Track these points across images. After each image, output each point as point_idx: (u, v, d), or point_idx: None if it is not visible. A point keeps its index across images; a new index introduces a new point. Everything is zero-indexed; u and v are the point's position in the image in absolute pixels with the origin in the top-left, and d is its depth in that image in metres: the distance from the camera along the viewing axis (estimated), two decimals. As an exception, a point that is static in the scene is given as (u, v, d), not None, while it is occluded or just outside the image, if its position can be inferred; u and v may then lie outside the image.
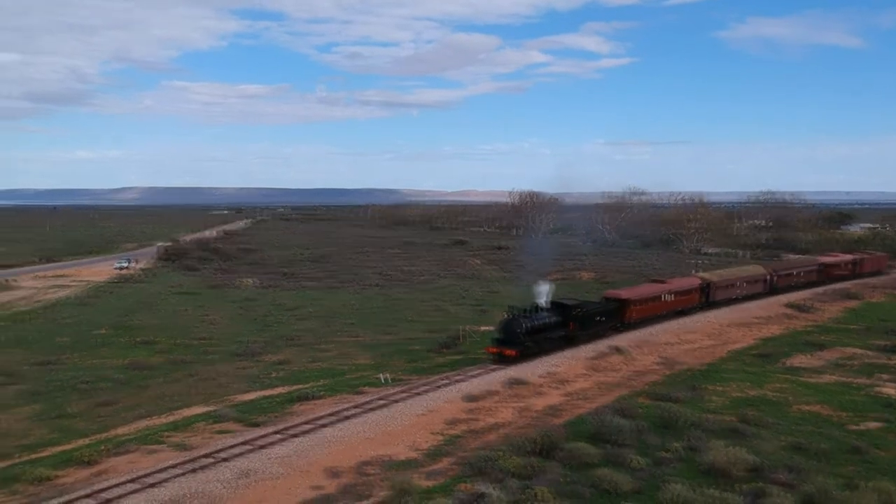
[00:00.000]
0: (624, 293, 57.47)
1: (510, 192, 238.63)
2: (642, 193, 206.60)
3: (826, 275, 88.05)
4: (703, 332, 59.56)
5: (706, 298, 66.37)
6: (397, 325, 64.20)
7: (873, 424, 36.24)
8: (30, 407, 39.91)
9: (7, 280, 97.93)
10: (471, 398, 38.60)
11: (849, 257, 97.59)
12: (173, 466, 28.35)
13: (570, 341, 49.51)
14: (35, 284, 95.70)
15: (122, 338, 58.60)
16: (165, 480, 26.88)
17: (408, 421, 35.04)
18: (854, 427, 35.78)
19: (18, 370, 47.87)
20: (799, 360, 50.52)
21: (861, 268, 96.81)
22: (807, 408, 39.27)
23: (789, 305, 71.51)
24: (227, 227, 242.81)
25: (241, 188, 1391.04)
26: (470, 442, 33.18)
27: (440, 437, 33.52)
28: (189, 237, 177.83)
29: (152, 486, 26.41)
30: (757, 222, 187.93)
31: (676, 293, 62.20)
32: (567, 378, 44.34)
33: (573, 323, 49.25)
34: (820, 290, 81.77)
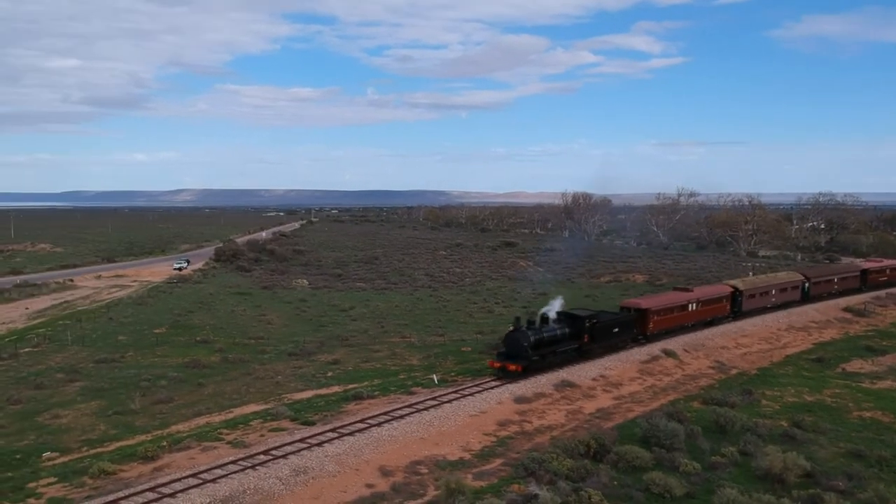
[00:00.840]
0: (644, 302, 53.85)
1: (562, 194, 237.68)
2: (694, 194, 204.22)
3: (868, 281, 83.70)
4: (758, 336, 58.70)
5: (738, 308, 62.88)
6: (447, 327, 64.49)
7: (935, 432, 35.43)
8: (93, 403, 41.14)
9: (70, 280, 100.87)
10: (521, 400, 38.71)
11: (894, 262, 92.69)
12: (231, 463, 29.06)
13: (583, 355, 46.47)
14: (96, 284, 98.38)
15: (179, 337, 59.99)
16: (223, 476, 27.57)
17: (459, 421, 35.31)
18: (915, 435, 35.01)
19: (82, 367, 49.35)
20: (857, 366, 49.56)
21: None
22: (866, 414, 38.56)
23: (846, 309, 70.05)
24: (280, 228, 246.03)
25: (292, 190, 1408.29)
26: (521, 443, 33.34)
27: (491, 438, 33.75)
28: (243, 238, 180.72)
29: (210, 481, 27.12)
30: (814, 224, 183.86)
31: (704, 302, 58.43)
32: (619, 381, 44.16)
33: (587, 335, 46.18)
34: (877, 294, 79.64)
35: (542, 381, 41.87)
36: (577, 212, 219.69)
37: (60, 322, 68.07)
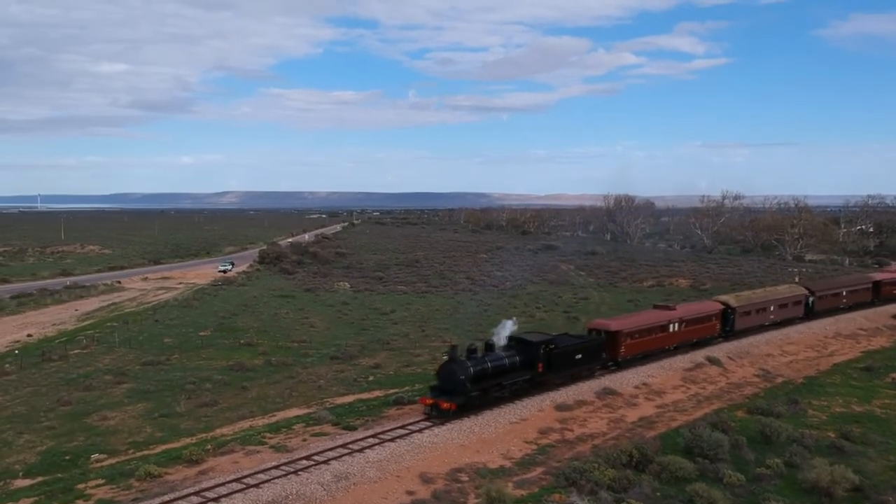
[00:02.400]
0: (614, 323, 47.52)
1: (605, 196, 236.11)
2: (739, 197, 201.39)
3: (882, 294, 75.98)
4: (805, 344, 57.69)
5: (730, 327, 56.41)
6: (488, 332, 64.27)
7: None
8: (140, 405, 41.94)
9: (117, 282, 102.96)
10: (563, 407, 38.53)
11: None
12: (274, 467, 29.41)
13: (537, 386, 40.28)
14: (143, 286, 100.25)
15: (224, 340, 60.88)
16: (266, 481, 27.90)
17: (500, 429, 35.27)
18: (969, 448, 34.12)
19: (129, 369, 50.34)
20: (908, 375, 48.41)
21: None
22: (917, 426, 37.65)
23: (896, 317, 68.49)
24: (322, 230, 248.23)
25: (334, 192, 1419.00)
26: (562, 452, 33.21)
27: (532, 446, 33.68)
28: (286, 241, 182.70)
29: (254, 486, 27.46)
30: (863, 228, 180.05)
31: (689, 322, 52.19)
32: (662, 389, 43.73)
33: (542, 363, 39.79)
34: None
35: (584, 389, 41.63)
36: (620, 214, 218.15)
37: (108, 324, 69.56)
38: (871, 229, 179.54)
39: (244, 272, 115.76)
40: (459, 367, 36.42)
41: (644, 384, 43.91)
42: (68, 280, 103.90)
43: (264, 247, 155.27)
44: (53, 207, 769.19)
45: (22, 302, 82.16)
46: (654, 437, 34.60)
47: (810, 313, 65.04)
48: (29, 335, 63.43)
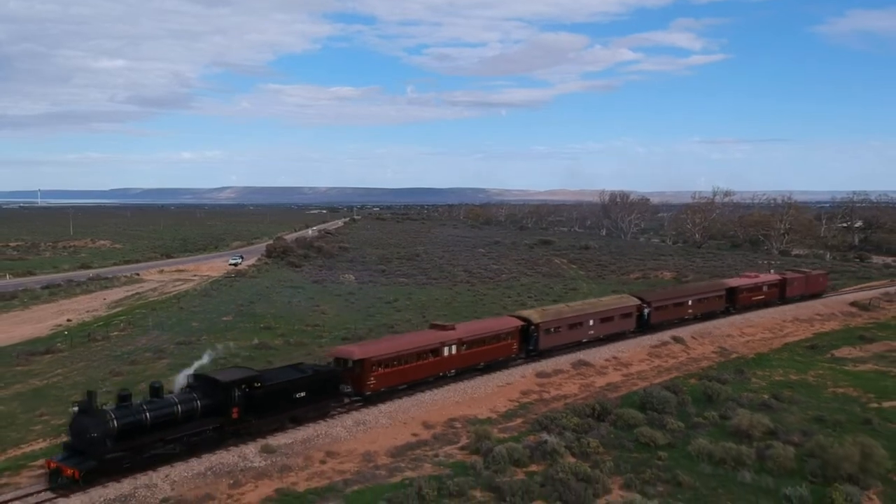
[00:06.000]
0: (359, 350, 40.25)
1: (601, 192, 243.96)
2: (730, 193, 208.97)
3: (739, 301, 69.82)
4: (763, 327, 64.80)
5: (533, 346, 50.07)
6: (483, 317, 71.40)
7: (892, 403, 41.59)
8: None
9: (136, 274, 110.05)
10: (542, 375, 45.78)
11: (772, 277, 77.34)
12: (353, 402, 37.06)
13: (235, 435, 32.99)
14: (160, 278, 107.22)
15: (245, 324, 67.88)
16: (302, 426, 35.10)
17: (489, 390, 42.51)
18: (874, 405, 41.25)
19: (166, 348, 57.33)
20: (846, 352, 55.57)
21: (787, 291, 75.72)
22: (840, 390, 44.82)
23: (853, 304, 75.53)
24: (325, 226, 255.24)
25: (334, 187, 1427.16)
26: (539, 408, 40.40)
27: (515, 403, 40.90)
28: (291, 236, 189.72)
29: (292, 428, 34.67)
30: (849, 223, 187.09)
31: (472, 343, 45.24)
32: (629, 362, 50.92)
33: (237, 407, 32.69)
34: (886, 290, 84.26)
35: (561, 361, 48.83)
36: (614, 210, 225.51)
37: (137, 311, 76.54)
38: (859, 224, 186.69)
39: (254, 265, 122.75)
40: (94, 422, 28.79)
41: (614, 357, 51.12)
42: (91, 272, 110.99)
43: (270, 241, 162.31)
44: (54, 203, 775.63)
45: (53, 292, 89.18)
46: (615, 398, 41.77)
47: (646, 326, 59.53)
48: (69, 320, 70.46)
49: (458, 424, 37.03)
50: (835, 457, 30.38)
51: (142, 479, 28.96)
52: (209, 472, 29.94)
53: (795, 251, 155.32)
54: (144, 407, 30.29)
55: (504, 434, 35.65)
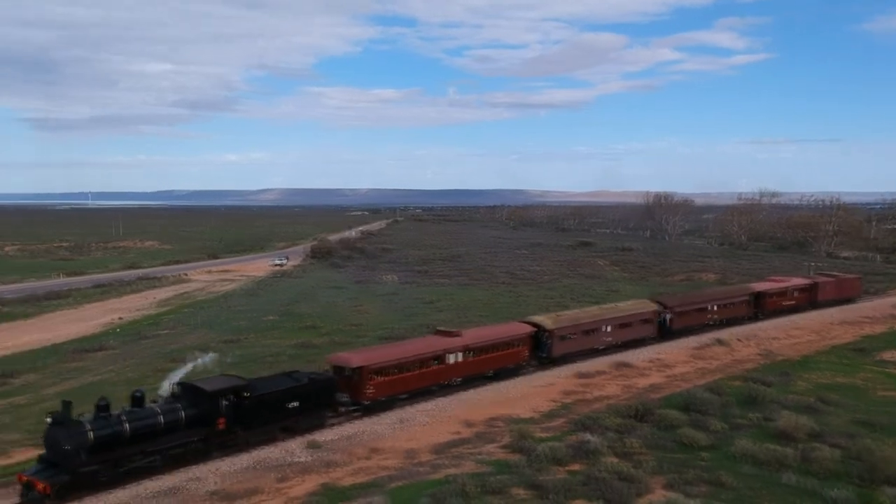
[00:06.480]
0: (357, 357, 39.13)
1: (646, 193, 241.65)
2: (776, 195, 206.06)
3: (766, 307, 67.49)
4: (810, 329, 63.99)
5: (546, 352, 48.66)
6: (491, 324, 71.40)
7: (941, 407, 40.93)
8: (230, 372, 50.00)
9: (184, 274, 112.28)
10: (583, 375, 45.93)
11: (802, 281, 73.90)
12: (350, 412, 37.32)
13: (221, 448, 31.99)
14: (207, 278, 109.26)
15: (289, 323, 69.01)
16: (347, 422, 35.81)
17: (530, 391, 42.80)
18: (923, 409, 40.61)
19: (213, 346, 58.43)
20: (893, 355, 54.60)
21: (819, 295, 73.01)
22: (886, 393, 44.20)
23: (899, 306, 74.28)
24: (366, 227, 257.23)
25: (374, 189, 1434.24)
26: (581, 408, 40.50)
27: (556, 404, 41.08)
28: (334, 237, 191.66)
29: (337, 425, 35.39)
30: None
31: (480, 349, 43.96)
32: (671, 363, 50.75)
33: (224, 417, 31.74)
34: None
35: (603, 362, 48.83)
36: (658, 211, 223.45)
37: (184, 310, 78.25)
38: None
39: (298, 266, 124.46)
40: (67, 433, 27.56)
41: (657, 359, 50.98)
42: (139, 272, 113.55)
43: (314, 242, 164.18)
44: (102, 204, 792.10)
45: (104, 291, 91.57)
46: (658, 399, 41.69)
47: (667, 332, 57.72)
48: (120, 318, 72.31)
49: (499, 423, 37.34)
50: (880, 460, 30.11)
51: (192, 471, 29.68)
52: (257, 466, 30.75)
53: (844, 254, 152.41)
54: (124, 417, 29.05)
55: (545, 433, 35.86)
